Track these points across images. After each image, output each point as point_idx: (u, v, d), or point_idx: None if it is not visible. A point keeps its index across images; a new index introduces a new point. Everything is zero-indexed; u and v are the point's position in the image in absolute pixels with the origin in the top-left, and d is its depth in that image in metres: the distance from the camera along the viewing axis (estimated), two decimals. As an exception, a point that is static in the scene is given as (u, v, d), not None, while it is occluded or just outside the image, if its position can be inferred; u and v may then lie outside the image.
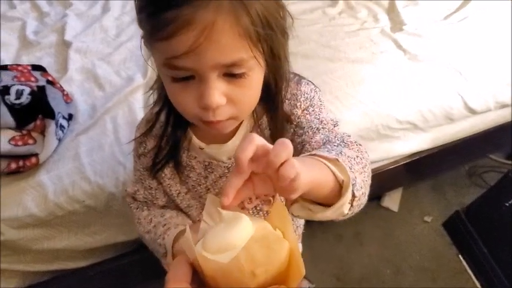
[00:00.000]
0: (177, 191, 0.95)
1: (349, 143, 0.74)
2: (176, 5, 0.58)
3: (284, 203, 0.78)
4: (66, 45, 1.67)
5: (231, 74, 0.64)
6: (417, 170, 1.92)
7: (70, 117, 1.43)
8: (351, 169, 0.66)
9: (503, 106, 1.72)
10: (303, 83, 0.85)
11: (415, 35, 1.76)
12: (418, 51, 1.70)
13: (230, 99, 0.67)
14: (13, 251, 1.34)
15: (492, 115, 1.75)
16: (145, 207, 1.01)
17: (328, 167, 0.63)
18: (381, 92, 1.56)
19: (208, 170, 0.90)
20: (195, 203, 0.97)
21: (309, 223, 1.16)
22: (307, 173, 0.58)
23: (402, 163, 1.75)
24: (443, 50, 1.71)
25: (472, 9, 1.86)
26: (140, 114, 1.46)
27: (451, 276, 2.03)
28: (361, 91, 1.55)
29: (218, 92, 0.64)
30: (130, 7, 1.78)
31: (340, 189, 0.64)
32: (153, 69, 0.85)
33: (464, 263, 2.08)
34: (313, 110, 0.84)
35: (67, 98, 1.45)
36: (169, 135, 0.87)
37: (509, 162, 2.33)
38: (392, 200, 2.23)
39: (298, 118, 0.84)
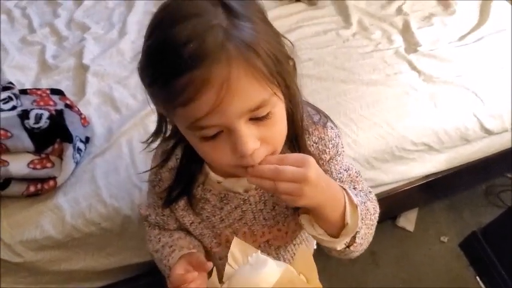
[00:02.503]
0: (190, 221, 0.95)
1: (371, 198, 0.85)
2: (188, 69, 0.58)
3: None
4: (84, 68, 1.70)
5: (257, 117, 0.65)
6: (433, 191, 1.90)
7: (87, 140, 1.46)
8: (362, 220, 0.76)
9: (520, 126, 1.71)
10: (329, 127, 0.86)
11: (430, 56, 1.76)
12: (433, 72, 1.70)
13: (263, 140, 0.67)
14: (31, 272, 1.36)
15: (508, 135, 1.73)
16: (157, 227, 1.02)
17: (345, 205, 0.73)
18: (395, 114, 1.56)
19: (224, 201, 0.90)
20: (207, 232, 0.97)
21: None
22: (323, 193, 0.68)
23: (418, 184, 1.74)
24: (458, 70, 1.70)
25: (487, 29, 1.86)
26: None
27: (468, 299, 2.01)
28: (375, 113, 1.56)
29: (251, 138, 0.65)
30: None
31: (342, 228, 0.75)
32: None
33: (482, 285, 2.04)
34: (340, 159, 0.89)
35: (84, 121, 1.47)
36: (185, 169, 0.87)
37: (527, 181, 2.30)
38: (408, 220, 2.21)
39: (326, 164, 0.86)
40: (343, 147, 0.90)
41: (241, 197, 0.88)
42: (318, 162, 0.77)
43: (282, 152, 0.82)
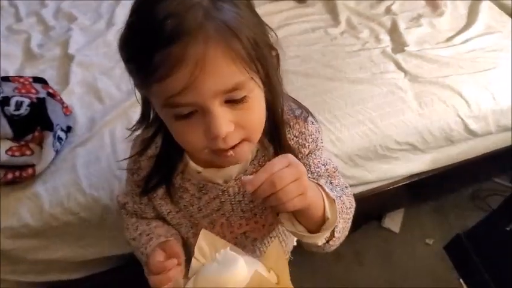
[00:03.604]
0: (168, 210, 0.95)
1: (347, 193, 0.86)
2: (165, 45, 0.58)
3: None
4: (69, 58, 1.70)
5: (232, 100, 0.65)
6: (418, 192, 1.91)
7: (69, 130, 1.45)
8: (339, 214, 0.76)
9: (505, 130, 1.71)
10: (309, 122, 0.87)
11: (417, 56, 1.77)
12: (419, 72, 1.70)
13: (238, 124, 0.67)
14: (7, 261, 1.35)
15: (493, 138, 1.74)
16: (134, 215, 1.02)
17: (323, 201, 0.74)
18: (380, 113, 1.56)
19: (203, 191, 0.90)
20: (185, 222, 0.97)
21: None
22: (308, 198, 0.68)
23: (402, 184, 1.75)
24: (444, 71, 1.71)
25: (475, 31, 1.87)
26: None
27: (450, 301, 2.01)
28: (360, 111, 1.56)
29: (224, 119, 0.65)
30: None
31: (322, 223, 0.75)
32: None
33: (465, 287, 2.05)
34: (319, 154, 0.90)
35: (66, 111, 1.46)
36: (164, 158, 0.87)
37: (512, 186, 2.31)
38: (393, 221, 2.21)
39: (304, 158, 0.87)
40: (322, 143, 0.91)
41: (220, 188, 0.88)
42: (296, 156, 0.79)
43: (262, 143, 0.83)
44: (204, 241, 0.79)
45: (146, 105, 0.81)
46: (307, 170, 0.82)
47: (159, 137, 0.86)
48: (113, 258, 1.46)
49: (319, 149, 0.90)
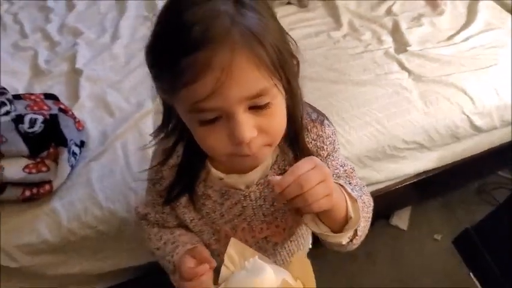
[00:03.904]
0: (191, 218, 0.96)
1: (365, 192, 0.89)
2: (193, 50, 0.60)
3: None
4: (77, 73, 1.71)
5: (256, 106, 0.67)
6: (425, 189, 1.92)
7: (82, 144, 1.46)
8: (361, 213, 0.79)
9: (509, 124, 1.74)
10: (326, 125, 0.89)
11: (420, 56, 1.79)
12: (422, 71, 1.72)
13: (260, 130, 0.69)
14: (27, 277, 1.36)
15: (498, 133, 1.76)
16: (156, 225, 1.03)
17: (346, 201, 0.76)
18: (386, 113, 1.58)
19: (225, 197, 0.91)
20: (206, 228, 0.98)
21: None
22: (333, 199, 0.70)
23: (410, 182, 1.76)
24: (447, 70, 1.73)
25: (475, 29, 1.89)
26: (150, 139, 1.48)
27: (461, 295, 2.02)
28: (366, 112, 1.58)
29: (248, 125, 0.66)
30: (139, 36, 1.82)
31: (344, 223, 0.78)
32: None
33: (476, 281, 2.06)
34: (336, 156, 0.92)
35: (79, 125, 1.48)
36: (187, 167, 0.88)
37: (519, 178, 2.33)
38: (401, 219, 2.23)
39: (323, 161, 0.88)
40: (338, 144, 0.93)
41: (242, 193, 0.90)
42: None
43: (282, 148, 0.86)
44: (234, 249, 0.81)
45: (168, 111, 0.82)
46: None
47: (180, 146, 0.88)
48: (130, 269, 1.47)
49: (336, 151, 0.92)
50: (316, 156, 0.85)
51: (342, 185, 0.79)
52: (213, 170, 0.87)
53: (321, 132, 0.88)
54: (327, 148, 0.88)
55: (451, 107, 1.63)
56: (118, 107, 1.59)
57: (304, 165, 0.67)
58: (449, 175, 1.84)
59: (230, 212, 0.93)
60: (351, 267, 2.06)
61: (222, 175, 0.87)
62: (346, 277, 2.02)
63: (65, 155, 1.35)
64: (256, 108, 0.67)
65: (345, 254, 1.97)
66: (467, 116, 1.63)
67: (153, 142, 0.91)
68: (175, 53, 0.62)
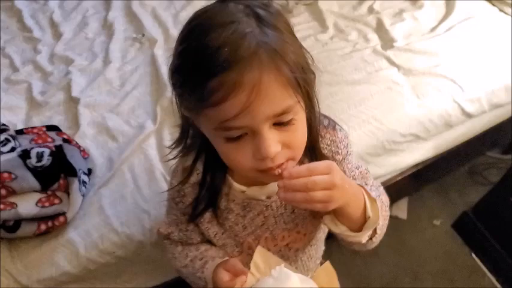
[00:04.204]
0: (215, 232, 0.98)
1: (382, 191, 0.94)
2: (222, 71, 0.62)
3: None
4: (74, 101, 1.71)
5: (281, 122, 0.69)
6: (422, 178, 1.97)
7: (90, 172, 1.47)
8: (380, 212, 0.82)
9: (497, 107, 1.80)
10: (338, 130, 0.92)
11: (406, 50, 1.83)
12: (411, 65, 1.77)
13: (284, 145, 0.71)
14: (50, 309, 1.36)
15: (487, 117, 1.82)
16: (179, 243, 1.05)
17: (365, 201, 0.79)
18: (382, 109, 1.62)
19: (247, 209, 0.93)
20: (230, 242, 1.00)
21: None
22: (347, 194, 0.74)
23: (409, 173, 1.81)
24: (434, 61, 1.78)
25: (456, 18, 1.94)
26: (156, 159, 1.50)
27: (467, 275, 2.08)
28: (363, 111, 1.62)
29: (274, 141, 0.69)
30: (131, 58, 1.83)
31: (363, 222, 0.81)
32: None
33: (478, 260, 2.13)
34: (350, 159, 0.95)
35: (84, 154, 1.49)
36: (209, 183, 0.90)
37: (506, 157, 2.41)
38: (399, 209, 2.28)
39: (339, 164, 0.91)
40: (351, 147, 0.95)
41: (263, 204, 0.92)
42: None
43: (300, 159, 0.88)
44: (259, 257, 0.83)
45: (186, 127, 0.85)
46: None
47: (199, 163, 0.90)
48: (150, 289, 1.49)
49: (350, 154, 0.94)
50: (334, 161, 0.88)
51: (362, 186, 0.82)
52: (235, 184, 0.90)
53: (334, 138, 0.90)
54: (341, 152, 0.91)
55: (442, 96, 1.68)
56: (120, 131, 1.59)
57: (320, 167, 0.70)
58: (443, 162, 1.90)
59: (252, 223, 0.95)
60: (356, 262, 2.10)
61: (244, 188, 0.89)
62: (353, 272, 2.07)
63: (75, 184, 1.35)
64: (280, 124, 0.70)
65: (349, 251, 2.04)
66: (458, 104, 1.68)
67: (171, 156, 0.93)
68: (203, 73, 0.64)
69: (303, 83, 0.70)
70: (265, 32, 0.66)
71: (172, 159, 0.94)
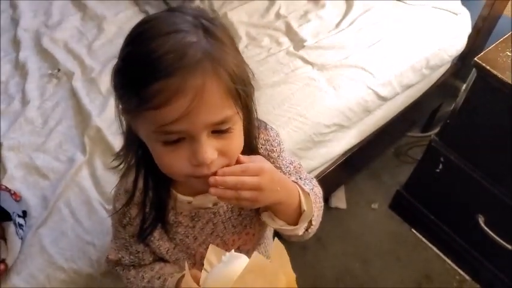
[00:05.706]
0: (166, 249, 0.98)
1: (315, 184, 0.99)
2: (164, 76, 0.64)
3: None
4: (-4, 147, 1.64)
5: (219, 130, 0.72)
6: (353, 165, 2.08)
7: (25, 214, 1.42)
8: (314, 204, 0.89)
9: (408, 87, 1.94)
10: (269, 129, 0.97)
11: (317, 48, 1.93)
12: (323, 60, 1.86)
13: (220, 152, 0.73)
14: None
15: (401, 97, 1.97)
16: (132, 267, 1.04)
17: (300, 196, 0.86)
18: (304, 105, 1.70)
19: (195, 219, 0.95)
20: (182, 255, 1.02)
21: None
22: (279, 193, 0.79)
23: (340, 162, 1.91)
24: (343, 53, 1.89)
25: (357, 11, 2.07)
26: (91, 190, 1.47)
27: (412, 250, 2.20)
28: (287, 109, 1.68)
29: (211, 148, 0.71)
30: (49, 94, 1.79)
31: (299, 215, 0.87)
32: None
33: (419, 234, 2.25)
34: (284, 155, 1.00)
35: (16, 196, 1.43)
36: (152, 200, 0.90)
37: (425, 134, 2.58)
38: (339, 200, 2.37)
39: (275, 162, 0.96)
40: (283, 144, 1.00)
41: (211, 211, 0.94)
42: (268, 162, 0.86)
43: None
44: (212, 255, 0.84)
45: (129, 135, 0.84)
46: (280, 171, 0.92)
47: (140, 182, 0.89)
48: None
49: (283, 151, 0.99)
50: (269, 159, 0.92)
51: (296, 182, 0.89)
52: (180, 196, 0.91)
53: (267, 137, 0.95)
54: (276, 149, 0.96)
55: (356, 84, 1.79)
56: (50, 168, 1.55)
57: (252, 169, 0.75)
58: (370, 146, 2.02)
59: (203, 232, 0.97)
60: (305, 258, 2.16)
61: (190, 198, 0.91)
62: (305, 268, 2.12)
63: (11, 228, 1.31)
64: (218, 132, 0.72)
65: (297, 247, 2.09)
66: (372, 89, 1.80)
67: (116, 163, 0.92)
68: (145, 77, 0.65)
69: (243, 94, 0.73)
70: (211, 43, 0.68)
71: (117, 166, 0.92)
